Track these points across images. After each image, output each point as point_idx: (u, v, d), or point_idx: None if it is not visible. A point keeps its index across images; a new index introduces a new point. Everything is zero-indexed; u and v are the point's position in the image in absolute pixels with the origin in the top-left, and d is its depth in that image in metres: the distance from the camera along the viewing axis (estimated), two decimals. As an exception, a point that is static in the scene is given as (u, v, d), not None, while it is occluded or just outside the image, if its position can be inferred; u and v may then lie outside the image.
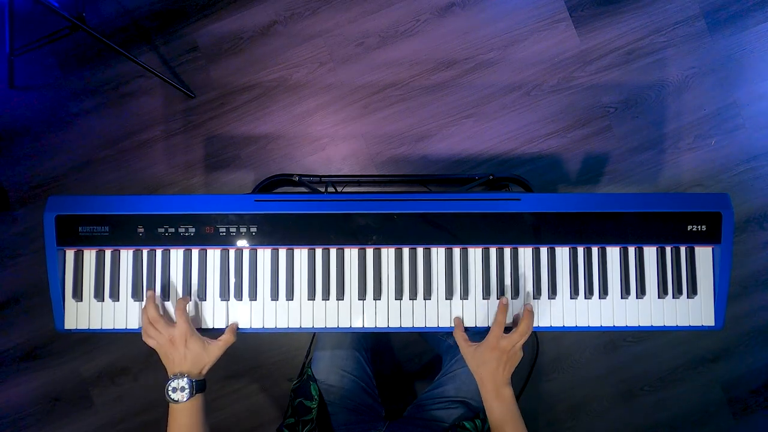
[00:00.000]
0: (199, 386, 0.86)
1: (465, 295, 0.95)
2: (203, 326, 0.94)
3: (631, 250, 0.95)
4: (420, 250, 0.95)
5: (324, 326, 0.94)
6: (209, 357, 0.88)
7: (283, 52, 1.58)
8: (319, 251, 0.95)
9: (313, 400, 1.02)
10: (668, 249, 0.95)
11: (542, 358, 1.59)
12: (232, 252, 0.94)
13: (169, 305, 0.94)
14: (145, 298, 0.93)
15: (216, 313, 0.95)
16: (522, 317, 0.87)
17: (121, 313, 0.95)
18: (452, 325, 0.94)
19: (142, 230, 0.93)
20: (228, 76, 1.58)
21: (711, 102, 1.59)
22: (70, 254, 0.94)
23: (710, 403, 1.60)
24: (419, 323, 0.94)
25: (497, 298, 0.94)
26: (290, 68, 1.58)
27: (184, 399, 0.84)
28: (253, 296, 0.94)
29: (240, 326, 0.94)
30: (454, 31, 1.58)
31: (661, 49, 1.58)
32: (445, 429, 0.99)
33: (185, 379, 0.84)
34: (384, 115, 1.58)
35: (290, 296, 0.94)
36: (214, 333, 0.92)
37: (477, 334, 0.93)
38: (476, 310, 0.95)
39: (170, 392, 0.84)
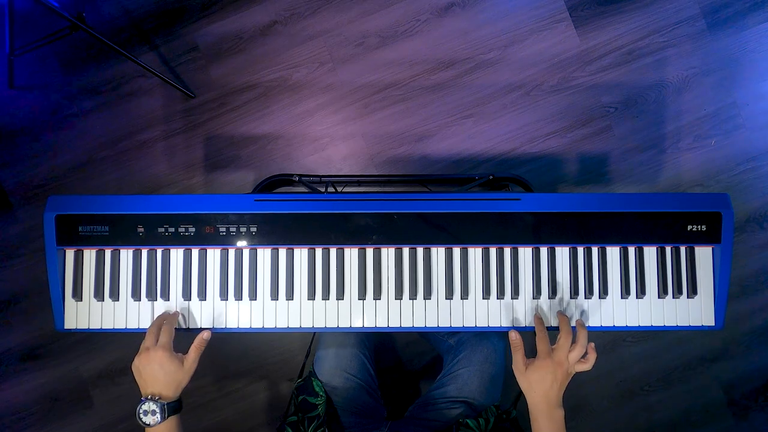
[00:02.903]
0: (171, 408, 0.84)
1: (465, 295, 0.95)
2: (203, 326, 0.94)
3: (631, 250, 0.95)
4: (420, 250, 0.95)
5: (324, 326, 0.94)
6: (185, 375, 0.87)
7: (283, 52, 1.58)
8: (319, 251, 0.95)
9: (318, 397, 1.01)
10: (668, 249, 0.95)
11: (542, 358, 1.58)
12: (232, 252, 0.95)
13: (167, 305, 0.94)
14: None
15: (216, 313, 0.95)
16: (577, 332, 0.87)
17: (121, 313, 0.95)
18: (452, 324, 0.94)
19: (142, 230, 0.93)
20: (228, 76, 1.58)
21: (711, 102, 1.58)
22: (70, 254, 0.94)
23: (710, 403, 1.60)
24: (419, 323, 0.94)
25: (497, 298, 0.95)
26: (290, 68, 1.58)
27: (157, 422, 0.82)
28: (253, 296, 0.94)
29: (240, 326, 0.95)
30: (454, 31, 1.58)
31: (661, 49, 1.58)
32: (448, 426, 0.99)
33: (157, 402, 0.83)
34: (384, 115, 1.58)
35: (290, 296, 0.94)
36: (212, 333, 0.92)
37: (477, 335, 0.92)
38: (476, 310, 0.95)
39: (141, 415, 0.83)
